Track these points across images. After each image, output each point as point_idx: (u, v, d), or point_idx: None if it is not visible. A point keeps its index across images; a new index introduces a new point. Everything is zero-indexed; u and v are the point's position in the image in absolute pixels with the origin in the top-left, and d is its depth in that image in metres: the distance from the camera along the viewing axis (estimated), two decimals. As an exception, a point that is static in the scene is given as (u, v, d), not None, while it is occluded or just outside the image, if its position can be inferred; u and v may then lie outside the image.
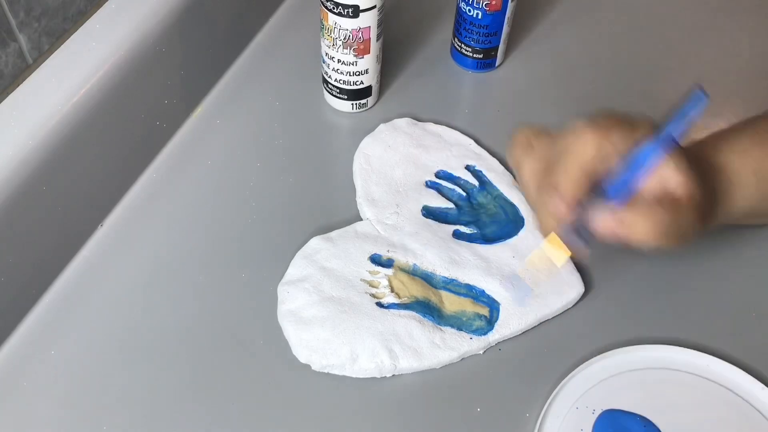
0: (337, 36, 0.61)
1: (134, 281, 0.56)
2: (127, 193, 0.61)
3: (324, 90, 0.68)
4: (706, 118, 0.60)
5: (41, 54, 0.55)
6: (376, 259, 0.56)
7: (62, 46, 0.56)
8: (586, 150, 0.46)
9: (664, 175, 0.46)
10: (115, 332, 0.54)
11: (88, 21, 0.57)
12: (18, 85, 0.53)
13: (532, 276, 0.51)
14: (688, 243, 0.47)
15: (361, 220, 0.59)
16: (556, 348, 0.54)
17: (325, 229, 0.58)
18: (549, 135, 0.50)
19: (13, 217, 0.50)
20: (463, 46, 0.70)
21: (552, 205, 0.46)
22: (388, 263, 0.56)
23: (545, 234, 0.48)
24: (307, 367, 0.52)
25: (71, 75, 0.54)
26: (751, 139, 0.53)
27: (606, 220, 0.45)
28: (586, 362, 0.52)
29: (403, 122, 0.66)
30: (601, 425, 0.49)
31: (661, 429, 0.49)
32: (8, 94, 0.52)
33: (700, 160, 0.49)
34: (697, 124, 0.46)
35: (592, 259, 0.58)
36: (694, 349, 0.52)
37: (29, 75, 0.54)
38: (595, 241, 0.47)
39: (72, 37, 0.56)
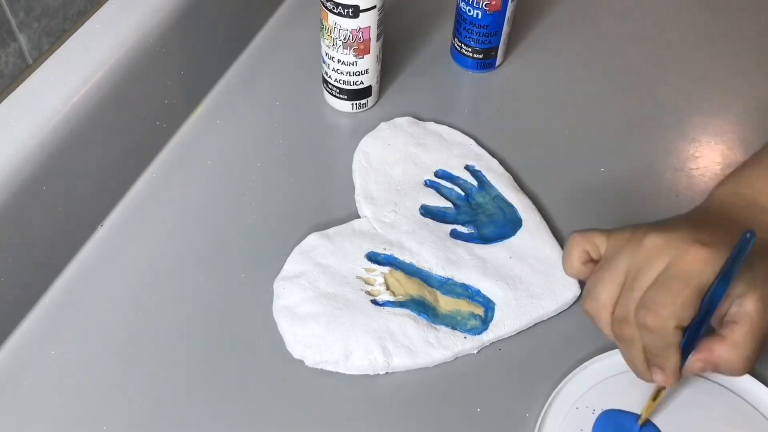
0: (337, 36, 0.61)
1: (134, 281, 0.56)
2: (127, 193, 0.61)
3: (324, 90, 0.68)
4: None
5: (41, 54, 0.55)
6: (372, 257, 0.56)
7: (62, 46, 0.56)
8: (702, 273, 0.45)
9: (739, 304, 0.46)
10: (115, 332, 0.54)
11: (88, 21, 0.57)
12: (18, 85, 0.53)
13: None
14: None
15: (359, 218, 0.59)
16: (556, 348, 0.54)
17: (323, 227, 0.58)
18: (609, 237, 0.49)
19: (13, 217, 0.50)
20: (463, 46, 0.70)
21: (657, 380, 0.47)
22: (386, 259, 0.56)
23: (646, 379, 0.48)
24: (301, 362, 0.52)
25: (71, 75, 0.54)
26: None
27: (697, 364, 0.46)
28: (586, 362, 0.52)
29: (404, 121, 0.66)
30: (601, 425, 0.49)
31: (661, 429, 0.49)
32: (8, 94, 0.52)
33: (741, 205, 0.50)
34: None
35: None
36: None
37: (29, 75, 0.54)
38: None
39: (72, 37, 0.56)
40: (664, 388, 0.49)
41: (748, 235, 0.43)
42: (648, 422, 0.49)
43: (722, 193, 0.52)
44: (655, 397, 0.49)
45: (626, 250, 0.47)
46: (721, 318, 0.47)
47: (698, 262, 0.44)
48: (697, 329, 0.45)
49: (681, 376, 0.47)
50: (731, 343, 0.46)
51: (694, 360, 0.46)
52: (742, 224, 0.48)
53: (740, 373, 0.46)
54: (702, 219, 0.50)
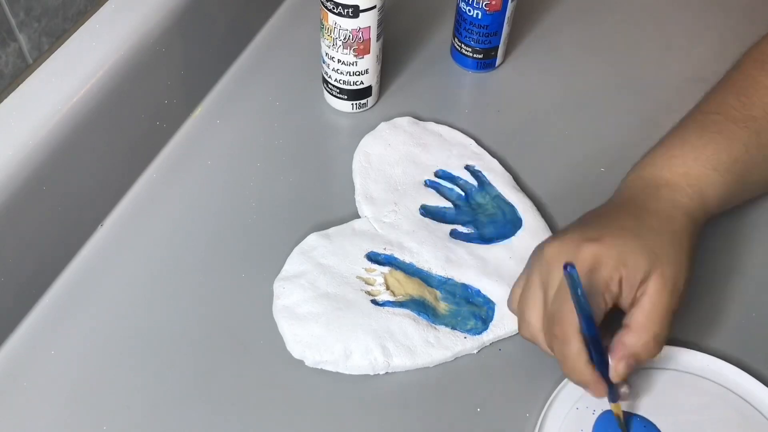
0: (337, 36, 0.61)
1: (134, 281, 0.56)
2: (127, 193, 0.61)
3: (324, 90, 0.68)
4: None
5: (41, 54, 0.55)
6: (372, 257, 0.56)
7: (62, 46, 0.56)
8: (592, 271, 0.48)
9: (630, 281, 0.47)
10: (115, 332, 0.54)
11: (88, 21, 0.57)
12: (18, 85, 0.53)
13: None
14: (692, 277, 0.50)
15: (359, 218, 0.59)
16: (556, 348, 0.54)
17: (323, 227, 0.58)
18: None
19: (13, 217, 0.50)
20: (463, 46, 0.70)
21: (594, 393, 0.48)
22: (386, 259, 0.56)
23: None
24: (301, 362, 0.52)
25: (71, 75, 0.54)
26: (700, 137, 0.54)
27: (618, 369, 0.47)
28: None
29: (404, 121, 0.66)
30: (601, 425, 0.49)
31: (661, 429, 0.49)
32: (8, 94, 0.52)
33: (652, 188, 0.52)
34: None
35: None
36: (695, 349, 0.52)
37: (29, 75, 0.54)
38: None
39: (72, 37, 0.56)
40: (616, 404, 0.49)
41: (568, 269, 0.44)
42: (648, 422, 0.49)
43: (629, 179, 0.55)
44: (618, 412, 0.50)
45: (535, 266, 0.50)
46: (631, 307, 0.48)
47: (587, 261, 0.47)
48: (590, 335, 0.46)
49: (608, 385, 0.48)
50: (636, 329, 0.47)
51: (615, 362, 0.47)
52: (646, 205, 0.51)
53: (654, 353, 0.48)
54: (608, 210, 0.53)
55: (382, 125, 0.65)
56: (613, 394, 0.48)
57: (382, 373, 0.52)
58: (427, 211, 0.60)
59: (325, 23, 0.61)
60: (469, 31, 0.68)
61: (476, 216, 0.59)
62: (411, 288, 0.55)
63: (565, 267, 0.44)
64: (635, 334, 0.47)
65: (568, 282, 0.44)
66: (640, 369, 0.51)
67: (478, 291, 0.55)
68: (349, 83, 0.65)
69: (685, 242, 0.50)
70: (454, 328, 0.53)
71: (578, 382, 0.48)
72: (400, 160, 0.63)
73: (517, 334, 0.54)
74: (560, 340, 0.47)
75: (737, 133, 0.54)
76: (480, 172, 0.62)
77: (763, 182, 0.56)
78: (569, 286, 0.44)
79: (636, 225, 0.50)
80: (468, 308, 0.54)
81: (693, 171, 0.52)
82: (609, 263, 0.47)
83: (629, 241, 0.48)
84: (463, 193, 0.61)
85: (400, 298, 0.55)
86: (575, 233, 0.50)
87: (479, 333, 0.53)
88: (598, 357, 0.47)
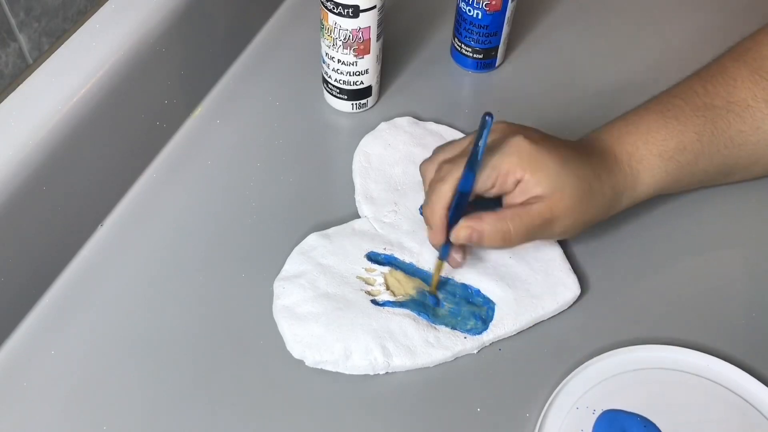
0: (337, 36, 0.61)
1: (134, 281, 0.56)
2: (127, 193, 0.61)
3: (324, 90, 0.68)
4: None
5: (41, 54, 0.55)
6: (372, 257, 0.56)
7: (62, 46, 0.56)
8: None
9: (525, 187, 0.50)
10: (115, 332, 0.54)
11: (88, 21, 0.57)
12: (18, 85, 0.53)
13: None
14: (572, 235, 0.54)
15: (359, 218, 0.59)
16: (556, 348, 0.54)
17: (323, 227, 0.58)
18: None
19: (13, 217, 0.50)
20: (463, 46, 0.70)
21: (430, 236, 0.53)
22: (386, 259, 0.56)
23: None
24: (301, 362, 0.52)
25: (71, 75, 0.54)
26: (656, 120, 0.55)
27: (460, 231, 0.51)
28: (586, 362, 0.52)
29: (404, 121, 0.66)
30: (601, 425, 0.49)
31: (661, 429, 0.49)
32: (8, 94, 0.52)
33: (603, 153, 0.54)
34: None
35: (591, 260, 0.58)
36: (694, 349, 0.52)
37: (29, 75, 0.54)
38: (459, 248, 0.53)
39: (72, 37, 0.56)
40: (440, 261, 0.54)
41: (486, 117, 0.47)
42: (648, 422, 0.49)
43: (590, 135, 0.57)
44: (437, 269, 0.54)
45: (472, 136, 0.53)
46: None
47: (510, 143, 0.50)
48: (457, 204, 0.50)
49: (447, 239, 0.52)
50: (498, 215, 0.51)
51: (463, 224, 0.51)
52: (589, 155, 0.53)
53: (497, 245, 0.51)
54: (560, 139, 0.54)
55: (382, 125, 0.65)
56: (445, 253, 0.53)
57: (382, 373, 0.52)
58: (427, 211, 0.60)
59: (325, 23, 0.61)
60: (469, 31, 0.68)
61: (476, 216, 0.59)
62: (411, 288, 0.55)
63: (484, 115, 0.47)
64: (494, 217, 0.50)
65: (479, 127, 0.47)
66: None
67: (478, 291, 0.55)
68: (349, 83, 0.65)
69: (593, 205, 0.52)
70: (454, 328, 0.53)
71: (427, 221, 0.52)
72: (400, 160, 0.63)
73: (517, 334, 0.54)
74: (439, 178, 0.51)
75: (693, 120, 0.55)
76: (480, 172, 0.62)
77: (713, 172, 0.57)
78: (478, 130, 0.47)
79: (573, 155, 0.52)
80: (468, 308, 0.54)
81: (638, 153, 0.54)
82: (522, 158, 0.50)
83: (554, 161, 0.51)
84: (463, 193, 0.61)
85: (400, 298, 0.55)
86: (523, 126, 0.53)
87: (479, 333, 0.53)
88: (455, 213, 0.50)
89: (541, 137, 0.52)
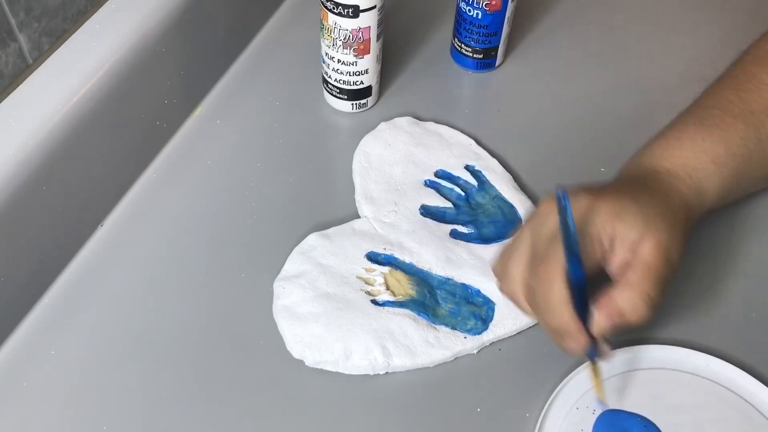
0: (337, 36, 0.61)
1: (134, 281, 0.56)
2: (127, 193, 0.61)
3: (324, 90, 0.68)
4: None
5: (41, 54, 0.55)
6: (372, 257, 0.56)
7: (62, 46, 0.56)
8: (585, 219, 0.46)
9: (623, 237, 0.46)
10: (115, 332, 0.54)
11: (88, 21, 0.57)
12: (18, 85, 0.53)
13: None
14: (682, 258, 0.48)
15: (359, 218, 0.59)
16: (556, 348, 0.53)
17: (323, 227, 0.58)
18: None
19: (13, 217, 0.50)
20: (463, 46, 0.70)
21: (571, 346, 0.46)
22: (386, 259, 0.56)
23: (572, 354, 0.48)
24: (301, 362, 0.52)
25: (71, 75, 0.54)
26: (698, 131, 0.53)
27: (601, 324, 0.45)
28: (587, 362, 0.51)
29: (403, 121, 0.66)
30: (601, 425, 0.49)
31: (661, 429, 0.49)
32: (8, 94, 0.52)
33: (655, 174, 0.51)
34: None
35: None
36: (694, 349, 0.52)
37: (29, 75, 0.54)
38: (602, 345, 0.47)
39: (72, 37, 0.56)
40: (594, 362, 0.48)
41: (559, 193, 0.42)
42: (648, 422, 0.49)
43: (627, 167, 0.54)
44: (595, 374, 0.48)
45: (527, 222, 0.49)
46: (621, 269, 0.46)
47: (582, 207, 0.46)
48: (579, 299, 0.44)
49: (590, 339, 0.45)
50: (628, 286, 0.45)
51: (598, 315, 0.45)
52: (645, 183, 0.50)
53: (645, 315, 0.45)
54: (604, 184, 0.51)
55: (382, 125, 0.65)
56: (593, 350, 0.45)
57: (382, 373, 0.52)
58: (427, 211, 0.60)
59: (325, 23, 0.61)
60: (469, 31, 0.68)
61: (476, 216, 0.59)
62: (411, 288, 0.55)
63: (558, 197, 0.42)
64: (625, 290, 0.45)
65: (558, 212, 0.42)
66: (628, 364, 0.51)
67: (478, 291, 0.55)
68: (349, 83, 0.65)
69: (679, 223, 0.48)
70: (454, 328, 0.53)
71: (558, 329, 0.45)
72: (400, 160, 0.63)
73: (517, 334, 0.54)
74: (544, 282, 0.44)
75: (735, 127, 0.53)
76: (480, 172, 0.62)
77: (761, 177, 0.56)
78: (559, 215, 0.42)
79: (634, 191, 0.49)
80: (468, 308, 0.54)
81: (691, 163, 0.52)
82: (604, 213, 0.46)
83: (627, 201, 0.47)
84: (463, 193, 0.61)
85: (400, 298, 0.55)
86: (572, 189, 0.48)
87: (479, 333, 0.53)
88: (581, 306, 0.44)
89: (591, 188, 0.49)
